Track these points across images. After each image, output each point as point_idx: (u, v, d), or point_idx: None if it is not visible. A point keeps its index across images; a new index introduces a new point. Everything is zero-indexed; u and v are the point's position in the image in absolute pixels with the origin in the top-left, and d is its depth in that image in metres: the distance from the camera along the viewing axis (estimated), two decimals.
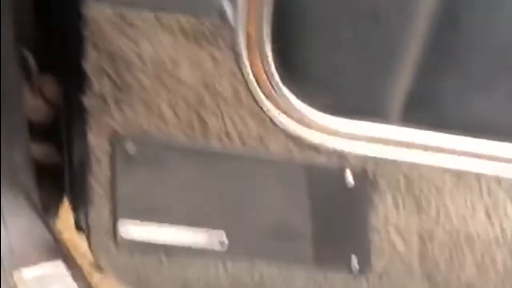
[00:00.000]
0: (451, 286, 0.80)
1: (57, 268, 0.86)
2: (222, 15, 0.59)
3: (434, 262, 0.78)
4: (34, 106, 0.85)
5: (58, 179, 1.00)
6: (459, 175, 0.70)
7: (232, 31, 0.59)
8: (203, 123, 0.66)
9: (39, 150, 0.91)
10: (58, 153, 0.90)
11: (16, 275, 0.82)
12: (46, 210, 1.01)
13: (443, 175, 0.70)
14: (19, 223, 0.88)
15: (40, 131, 0.90)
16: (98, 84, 0.64)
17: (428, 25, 0.60)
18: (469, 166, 0.69)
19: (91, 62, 0.62)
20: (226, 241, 0.76)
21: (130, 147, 0.68)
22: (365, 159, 0.69)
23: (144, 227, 0.75)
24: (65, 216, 1.46)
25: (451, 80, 0.64)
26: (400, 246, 0.77)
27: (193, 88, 0.63)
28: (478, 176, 0.70)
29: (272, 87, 0.64)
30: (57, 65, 0.77)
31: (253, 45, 0.60)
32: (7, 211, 0.85)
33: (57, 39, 0.73)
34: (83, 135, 0.70)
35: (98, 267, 1.48)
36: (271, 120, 0.65)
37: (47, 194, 1.00)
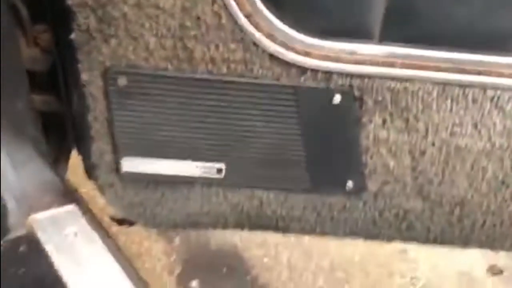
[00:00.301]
0: (444, 202, 0.82)
1: (70, 211, 0.91)
2: None
3: (426, 178, 0.80)
4: (31, 55, 0.88)
5: (63, 128, 1.03)
6: (444, 87, 0.71)
7: None
8: (187, 50, 0.68)
9: (41, 100, 0.95)
10: (60, 102, 0.93)
11: (30, 218, 0.87)
12: (56, 161, 1.05)
13: (428, 88, 0.71)
14: (29, 171, 0.92)
15: (40, 81, 0.93)
16: (84, 19, 0.65)
17: None
18: (452, 77, 0.70)
19: None
20: (223, 169, 0.79)
21: (121, 80, 0.70)
22: (350, 77, 0.70)
23: (145, 161, 0.79)
24: (82, 171, 1.51)
25: None
26: (392, 164, 0.78)
27: (175, 15, 0.65)
28: (463, 87, 0.70)
29: (252, 8, 0.65)
30: (47, 12, 0.79)
31: None
32: (16, 159, 0.89)
33: None
34: (76, 74, 0.72)
35: (117, 219, 1.54)
36: (254, 43, 0.67)
37: (54, 145, 1.04)
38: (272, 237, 1.60)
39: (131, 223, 1.71)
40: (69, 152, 1.12)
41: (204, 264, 1.52)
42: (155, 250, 1.55)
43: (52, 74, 0.89)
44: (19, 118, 0.89)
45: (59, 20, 0.73)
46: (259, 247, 1.59)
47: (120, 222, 1.72)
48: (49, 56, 0.88)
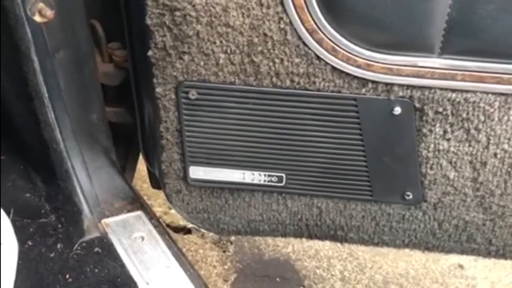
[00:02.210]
0: (507, 214, 0.82)
1: (138, 217, 0.96)
2: None
3: (488, 189, 0.79)
4: (105, 71, 0.95)
5: (132, 139, 1.10)
6: (506, 98, 0.71)
7: None
8: (254, 65, 0.72)
9: (113, 112, 1.02)
10: (130, 114, 1.00)
11: (103, 222, 0.93)
12: (123, 169, 1.12)
13: (490, 99, 0.71)
14: (102, 178, 0.99)
15: (113, 95, 1.00)
16: (160, 37, 0.71)
17: None
18: None
19: (153, 17, 0.69)
20: (284, 178, 0.83)
21: (192, 93, 0.75)
22: (411, 89, 0.72)
23: (211, 170, 0.83)
24: (140, 183, 1.59)
25: (489, 4, 0.64)
26: (452, 175, 0.79)
27: (244, 33, 0.69)
28: None
29: (316, 25, 0.68)
30: (123, 31, 0.85)
31: None
32: (90, 168, 0.96)
33: (120, 5, 0.81)
34: (151, 88, 0.78)
35: (173, 227, 1.59)
36: (317, 57, 0.70)
37: (123, 154, 1.11)
38: (324, 250, 1.61)
39: (187, 231, 1.76)
40: (136, 161, 1.19)
41: (258, 273, 1.54)
42: (210, 258, 1.60)
43: (122, 87, 0.96)
44: (93, 129, 0.96)
45: (137, 38, 0.79)
46: (311, 258, 1.60)
47: (177, 230, 1.78)
48: (122, 71, 0.95)
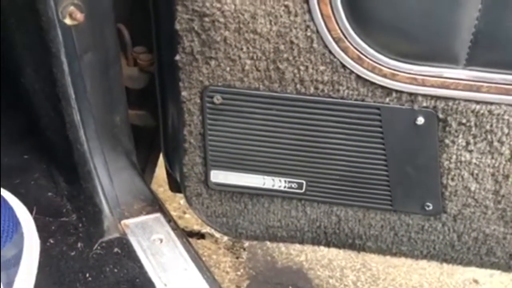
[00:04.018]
0: None
1: (156, 219, 0.98)
2: None
3: (509, 203, 0.79)
4: (130, 74, 0.97)
5: (152, 142, 1.12)
6: None
7: None
8: (279, 72, 0.73)
9: (135, 115, 1.03)
10: (152, 117, 1.02)
11: (123, 223, 0.95)
12: (143, 171, 1.14)
13: None
14: (122, 180, 1.00)
15: (136, 98, 1.01)
16: (188, 42, 0.73)
17: None
18: None
19: (182, 22, 0.71)
20: (304, 184, 0.83)
21: (217, 98, 0.77)
22: (435, 99, 0.72)
23: (231, 174, 0.84)
24: (156, 187, 1.60)
25: None
26: (474, 187, 0.79)
27: (271, 40, 0.70)
28: None
29: (343, 34, 0.69)
30: (148, 35, 0.87)
31: None
32: (112, 168, 0.98)
33: (149, 9, 0.82)
34: (176, 91, 0.79)
35: (187, 232, 1.60)
36: (342, 65, 0.71)
37: (143, 156, 1.13)
38: (338, 259, 1.61)
39: (201, 236, 1.77)
40: (155, 164, 1.21)
41: (270, 280, 1.54)
42: (223, 264, 1.60)
43: (146, 91, 0.98)
44: (116, 131, 0.98)
45: (164, 42, 0.81)
46: (324, 268, 1.60)
47: (191, 235, 1.79)
48: (146, 75, 0.97)
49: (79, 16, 0.80)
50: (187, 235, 1.70)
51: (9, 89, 1.08)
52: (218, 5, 0.68)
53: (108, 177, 0.96)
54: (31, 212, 0.87)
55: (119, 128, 0.98)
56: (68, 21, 0.80)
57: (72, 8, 0.80)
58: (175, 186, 1.04)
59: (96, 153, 0.92)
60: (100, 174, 0.93)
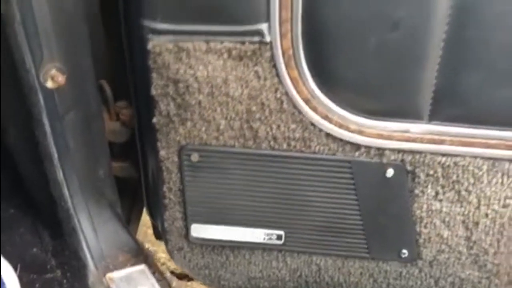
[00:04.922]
0: (502, 272, 0.83)
1: (141, 271, 0.98)
2: (261, 37, 0.69)
3: (482, 248, 0.81)
4: (112, 128, 0.99)
5: (136, 192, 1.13)
6: (493, 162, 0.74)
7: (271, 49, 0.69)
8: (253, 130, 0.76)
9: (119, 167, 1.05)
10: (135, 169, 1.04)
11: (108, 276, 0.96)
12: (128, 221, 1.15)
13: (478, 163, 0.74)
14: (107, 232, 1.01)
15: (119, 151, 1.04)
16: (164, 106, 0.76)
17: (445, 27, 0.66)
18: (502, 153, 0.73)
19: (157, 88, 0.74)
20: (284, 236, 0.85)
21: (194, 157, 0.79)
22: (402, 153, 0.75)
23: (212, 228, 0.86)
24: (145, 229, 1.60)
25: (473, 75, 0.68)
26: (446, 233, 0.81)
27: (243, 102, 0.74)
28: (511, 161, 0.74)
29: (310, 95, 0.72)
30: (129, 93, 0.90)
31: (290, 60, 0.70)
32: (96, 221, 0.99)
33: (128, 70, 0.86)
34: (155, 150, 0.82)
35: (177, 274, 1.60)
36: (312, 123, 0.74)
37: (127, 206, 1.14)
38: None
39: (190, 278, 1.77)
40: (140, 212, 1.22)
41: None
42: None
43: (128, 143, 1.00)
44: (100, 184, 0.99)
45: (142, 105, 0.83)
46: None
47: (180, 277, 1.79)
48: (128, 129, 0.99)
49: (61, 79, 0.82)
50: (177, 277, 1.70)
51: None
52: (191, 72, 0.71)
53: (93, 230, 0.97)
54: (15, 269, 0.87)
55: (102, 181, 0.99)
56: (50, 84, 0.82)
57: (54, 71, 0.82)
58: (160, 234, 1.05)
59: (80, 208, 0.94)
60: (84, 229, 0.94)
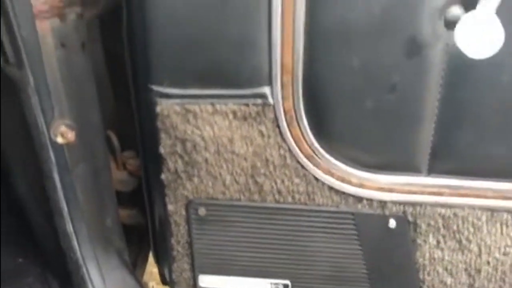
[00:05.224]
0: None
1: None
2: (264, 100, 0.72)
3: None
4: (120, 178, 1.02)
5: (143, 237, 1.15)
6: (492, 213, 0.76)
7: (274, 111, 0.72)
8: (258, 185, 0.78)
9: (126, 214, 1.07)
10: (142, 216, 1.05)
11: None
12: (134, 265, 1.16)
13: (477, 213, 0.76)
14: (114, 279, 1.02)
15: (126, 199, 1.06)
16: (172, 163, 0.78)
17: (439, 88, 0.69)
18: (499, 204, 0.75)
19: (166, 147, 0.77)
20: (290, 285, 0.87)
21: (201, 210, 0.81)
22: (403, 205, 0.77)
23: (219, 278, 0.88)
24: (151, 268, 1.61)
25: (468, 132, 0.71)
26: (449, 281, 0.83)
27: (248, 159, 0.76)
28: (510, 210, 0.76)
29: (313, 151, 0.75)
30: (136, 143, 0.92)
31: (292, 120, 0.73)
32: (104, 269, 1.00)
33: (136, 129, 0.88)
34: (163, 204, 0.84)
35: None
36: (315, 178, 0.76)
37: (134, 251, 1.16)
38: None
39: None
40: (147, 256, 1.23)
41: None
42: None
43: (135, 192, 1.02)
44: (108, 232, 1.01)
45: (150, 161, 0.86)
46: None
47: None
48: (135, 178, 1.01)
49: (70, 135, 0.84)
50: None
51: (5, 194, 1.11)
52: (198, 132, 0.74)
53: (101, 278, 0.98)
54: None
55: (110, 229, 1.01)
56: (60, 140, 0.85)
57: (63, 128, 0.85)
58: (165, 279, 1.06)
59: (88, 257, 0.95)
60: (93, 277, 0.95)
